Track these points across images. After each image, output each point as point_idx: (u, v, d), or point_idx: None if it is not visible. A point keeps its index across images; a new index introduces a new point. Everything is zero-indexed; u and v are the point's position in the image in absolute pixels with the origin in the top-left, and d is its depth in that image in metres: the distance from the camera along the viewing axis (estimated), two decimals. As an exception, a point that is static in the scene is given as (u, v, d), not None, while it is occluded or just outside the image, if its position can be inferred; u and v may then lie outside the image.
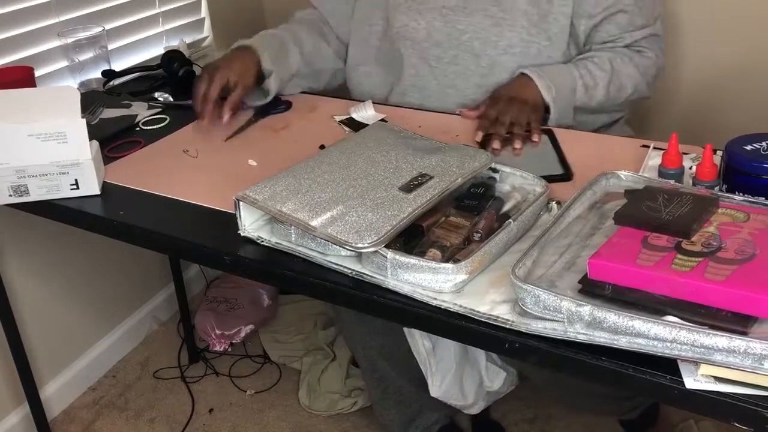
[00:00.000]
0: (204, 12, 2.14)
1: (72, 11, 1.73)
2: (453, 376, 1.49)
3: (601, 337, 0.78)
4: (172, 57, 1.73)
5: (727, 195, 0.96)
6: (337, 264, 0.96)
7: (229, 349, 2.06)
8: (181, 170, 1.29)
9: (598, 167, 1.06)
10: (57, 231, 1.68)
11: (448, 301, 0.88)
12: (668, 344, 0.75)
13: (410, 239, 0.97)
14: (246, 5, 2.31)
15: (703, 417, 1.60)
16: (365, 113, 1.43)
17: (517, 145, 1.26)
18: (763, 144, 1.00)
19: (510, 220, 0.97)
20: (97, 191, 1.21)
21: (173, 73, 1.71)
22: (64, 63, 1.70)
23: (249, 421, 1.85)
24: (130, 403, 1.92)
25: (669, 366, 0.77)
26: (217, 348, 2.04)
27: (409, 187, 1.01)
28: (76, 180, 1.20)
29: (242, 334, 2.06)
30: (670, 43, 1.66)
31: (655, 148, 1.22)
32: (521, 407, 1.81)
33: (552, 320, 0.81)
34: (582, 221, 0.97)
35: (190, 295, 2.14)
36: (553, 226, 0.93)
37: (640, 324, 0.75)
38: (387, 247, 0.92)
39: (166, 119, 1.50)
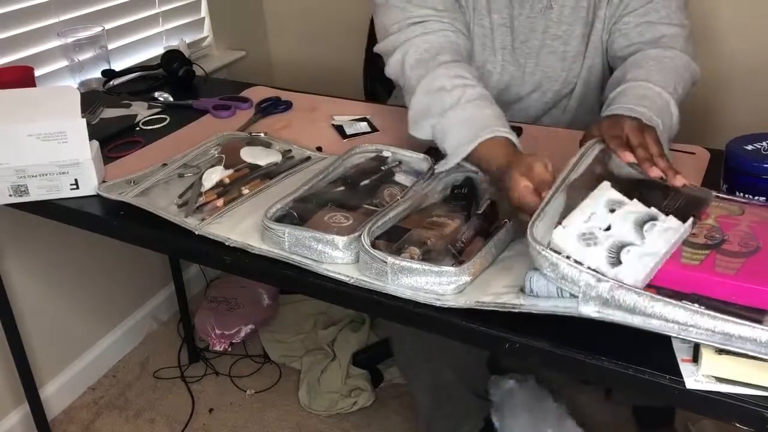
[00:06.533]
0: (204, 12, 2.14)
1: (72, 11, 1.73)
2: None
3: (614, 315, 0.77)
4: (172, 57, 1.73)
5: (716, 193, 0.96)
6: (333, 272, 0.96)
7: (229, 349, 2.06)
8: (181, 170, 1.29)
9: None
10: (57, 231, 1.68)
11: (451, 300, 0.88)
12: (685, 327, 0.74)
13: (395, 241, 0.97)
14: (246, 5, 2.31)
15: (703, 417, 1.60)
16: (357, 125, 1.43)
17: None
18: (764, 144, 1.00)
19: (506, 220, 0.98)
20: (97, 191, 1.21)
21: (173, 73, 1.71)
22: (64, 63, 1.70)
23: (249, 421, 1.85)
24: (130, 403, 1.92)
25: (669, 366, 0.77)
26: (217, 348, 2.04)
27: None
28: (76, 180, 1.19)
29: (242, 334, 2.06)
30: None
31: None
32: (521, 407, 1.81)
33: (565, 297, 0.80)
34: (580, 190, 0.93)
35: (190, 295, 2.14)
36: (559, 188, 0.89)
37: (661, 306, 0.75)
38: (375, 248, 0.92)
39: (166, 119, 1.50)
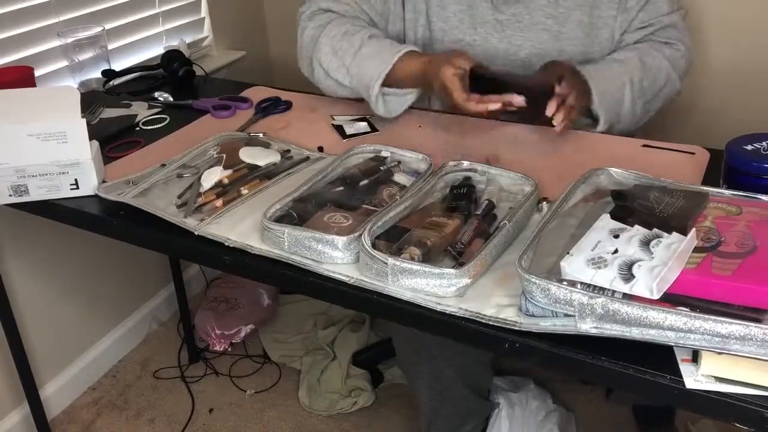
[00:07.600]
0: (204, 12, 2.14)
1: (72, 11, 1.73)
2: None
3: (612, 330, 0.78)
4: (172, 57, 1.73)
5: (717, 190, 0.96)
6: (333, 272, 0.96)
7: (229, 349, 2.06)
8: (181, 170, 1.29)
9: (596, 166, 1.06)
10: (57, 231, 1.68)
11: (452, 305, 0.88)
12: (682, 334, 0.75)
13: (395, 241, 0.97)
14: (246, 5, 2.31)
15: (703, 417, 1.60)
16: (357, 125, 1.43)
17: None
18: (763, 144, 1.00)
19: (505, 221, 0.97)
20: (96, 192, 1.21)
21: (173, 73, 1.71)
22: (64, 63, 1.70)
23: (249, 421, 1.85)
24: (130, 403, 1.92)
25: (669, 366, 0.77)
26: (217, 348, 2.04)
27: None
28: (75, 180, 1.20)
29: (242, 334, 2.06)
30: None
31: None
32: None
33: (561, 316, 0.81)
34: (573, 218, 0.97)
35: (190, 295, 2.14)
36: (551, 218, 0.93)
37: (654, 314, 0.75)
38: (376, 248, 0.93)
39: (166, 119, 1.50)
